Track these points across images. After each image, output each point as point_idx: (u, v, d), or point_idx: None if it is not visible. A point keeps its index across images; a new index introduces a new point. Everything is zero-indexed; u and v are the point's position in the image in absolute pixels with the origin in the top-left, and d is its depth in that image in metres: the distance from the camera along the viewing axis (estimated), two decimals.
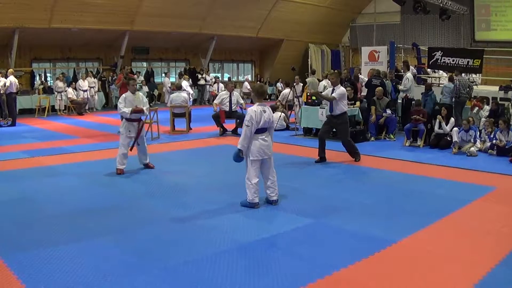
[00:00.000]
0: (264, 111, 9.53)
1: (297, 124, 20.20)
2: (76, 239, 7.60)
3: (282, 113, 21.20)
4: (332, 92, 13.54)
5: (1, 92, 22.20)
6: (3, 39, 27.75)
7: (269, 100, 21.66)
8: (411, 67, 23.48)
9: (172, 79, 34.71)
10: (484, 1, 34.98)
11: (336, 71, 15.23)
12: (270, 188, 9.73)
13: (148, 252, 7.12)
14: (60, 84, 27.81)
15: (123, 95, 12.92)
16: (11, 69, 23.73)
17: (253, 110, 9.43)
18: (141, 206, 9.64)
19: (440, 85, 22.78)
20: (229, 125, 19.55)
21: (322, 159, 13.86)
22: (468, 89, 18.84)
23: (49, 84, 29.76)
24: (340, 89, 13.56)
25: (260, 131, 9.50)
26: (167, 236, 7.84)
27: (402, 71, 23.11)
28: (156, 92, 34.21)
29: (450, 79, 19.81)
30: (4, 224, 8.48)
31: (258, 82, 18.00)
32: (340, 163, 13.64)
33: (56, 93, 27.94)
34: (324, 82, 20.72)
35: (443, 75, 23.76)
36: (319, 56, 40.95)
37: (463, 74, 20.26)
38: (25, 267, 6.50)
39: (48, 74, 31.68)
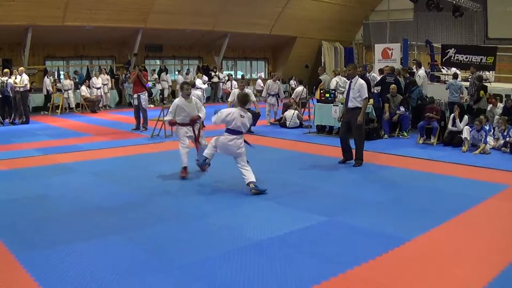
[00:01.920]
0: (242, 116, 10.41)
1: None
2: (89, 237, 7.63)
3: (296, 111, 21.21)
4: (350, 85, 13.28)
5: (16, 89, 22.26)
6: (16, 37, 27.86)
7: (280, 97, 21.43)
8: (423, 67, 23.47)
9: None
10: None
11: (352, 64, 15.02)
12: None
13: (162, 250, 7.13)
14: (66, 82, 28.00)
15: (175, 101, 12.56)
16: (22, 67, 23.75)
17: (232, 110, 10.55)
18: (155, 204, 9.66)
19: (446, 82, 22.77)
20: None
21: (346, 159, 13.54)
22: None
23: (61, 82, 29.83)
24: (359, 81, 13.16)
25: (229, 131, 10.47)
26: (181, 234, 7.84)
27: (413, 69, 23.13)
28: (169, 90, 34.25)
29: (455, 76, 19.81)
30: (18, 222, 8.53)
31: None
32: (353, 161, 13.58)
33: (63, 91, 28.10)
34: (336, 79, 20.64)
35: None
36: (332, 53, 40.94)
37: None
38: (39, 265, 6.52)
39: (61, 72, 31.68)
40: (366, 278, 6.15)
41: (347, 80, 15.35)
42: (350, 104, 13.24)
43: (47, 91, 28.02)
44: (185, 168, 12.00)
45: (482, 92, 18.38)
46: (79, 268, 6.44)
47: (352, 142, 13.32)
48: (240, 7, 33.27)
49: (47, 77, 28.41)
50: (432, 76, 24.34)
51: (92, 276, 6.18)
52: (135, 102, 19.53)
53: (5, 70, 23.41)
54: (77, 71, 30.79)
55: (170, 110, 12.43)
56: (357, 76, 13.42)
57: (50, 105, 27.61)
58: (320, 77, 21.54)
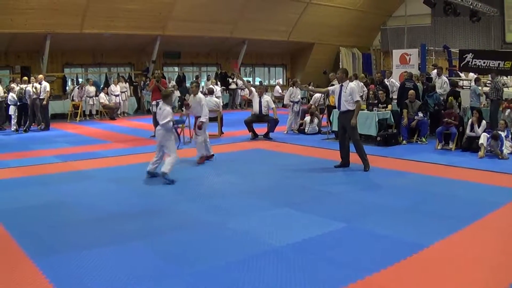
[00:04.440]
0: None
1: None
2: (108, 243, 7.66)
3: (316, 117, 21.20)
4: (341, 89, 13.40)
5: (35, 97, 22.37)
6: (35, 44, 28.01)
7: (300, 103, 21.50)
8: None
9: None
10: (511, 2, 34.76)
11: (343, 68, 15.08)
12: None
13: (180, 256, 7.14)
14: (90, 89, 28.13)
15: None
16: (42, 75, 23.85)
17: None
18: (173, 210, 9.68)
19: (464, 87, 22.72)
20: (261, 129, 19.55)
21: (343, 164, 13.66)
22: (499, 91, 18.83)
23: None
24: (350, 85, 13.39)
25: None
26: (199, 240, 7.84)
27: (431, 74, 23.17)
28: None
29: (476, 81, 19.79)
30: (37, 227, 8.57)
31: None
32: (373, 167, 13.51)
33: (87, 98, 28.17)
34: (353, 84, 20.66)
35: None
36: (350, 59, 40.88)
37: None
38: (57, 271, 6.55)
39: (80, 79, 31.81)
40: (385, 285, 6.14)
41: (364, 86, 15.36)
42: (342, 108, 13.47)
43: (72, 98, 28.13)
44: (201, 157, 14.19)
45: (451, 98, 18.33)
46: (97, 273, 6.48)
47: (351, 146, 13.40)
48: (257, 13, 33.32)
49: (73, 85, 28.70)
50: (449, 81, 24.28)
51: (109, 282, 6.22)
52: (154, 109, 19.60)
53: (24, 77, 23.56)
54: (88, 79, 30.81)
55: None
56: (347, 80, 13.61)
57: (69, 112, 27.68)
58: (332, 83, 21.54)
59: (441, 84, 21.23)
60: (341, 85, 13.51)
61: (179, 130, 15.03)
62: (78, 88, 28.01)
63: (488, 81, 20.75)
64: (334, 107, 18.01)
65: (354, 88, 13.31)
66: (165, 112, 11.80)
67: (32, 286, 6.16)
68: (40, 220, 9.02)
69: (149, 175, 12.24)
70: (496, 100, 18.87)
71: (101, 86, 30.37)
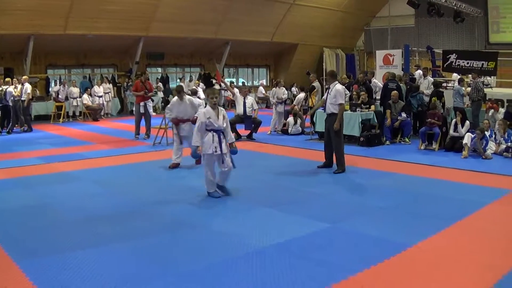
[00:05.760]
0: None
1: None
2: (92, 245, 7.63)
3: (299, 118, 21.24)
4: (327, 91, 13.37)
5: (17, 99, 22.27)
6: (18, 45, 27.87)
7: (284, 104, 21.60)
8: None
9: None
10: (496, 3, 34.91)
11: (331, 70, 15.00)
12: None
13: (165, 258, 7.13)
14: (74, 90, 28.09)
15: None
16: (26, 76, 23.80)
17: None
18: (156, 212, 9.65)
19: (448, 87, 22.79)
20: (244, 130, 19.55)
21: (327, 165, 13.65)
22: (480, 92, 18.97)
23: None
24: (336, 87, 13.21)
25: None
26: (182, 242, 7.84)
27: (414, 74, 23.31)
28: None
29: (459, 82, 19.89)
30: (21, 230, 8.53)
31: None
32: (357, 168, 13.61)
33: (71, 99, 28.16)
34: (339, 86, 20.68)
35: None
36: (334, 60, 40.90)
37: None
38: (41, 274, 6.53)
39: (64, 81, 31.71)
40: (369, 285, 6.14)
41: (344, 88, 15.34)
42: (328, 110, 13.37)
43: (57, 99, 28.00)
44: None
45: (434, 98, 18.40)
46: (82, 276, 6.45)
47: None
48: (241, 15, 33.30)
49: (57, 85, 28.58)
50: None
51: (95, 284, 6.19)
52: (142, 110, 19.59)
53: (7, 79, 23.41)
54: (72, 81, 30.69)
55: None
56: (336, 82, 13.48)
57: (52, 113, 27.61)
58: (313, 84, 21.54)
59: (427, 85, 21.35)
60: (328, 87, 13.49)
61: (161, 131, 15.01)
62: (61, 86, 27.93)
63: (471, 81, 20.84)
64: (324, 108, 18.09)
65: (339, 90, 13.10)
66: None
67: None
68: (23, 222, 8.99)
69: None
70: (477, 100, 18.98)
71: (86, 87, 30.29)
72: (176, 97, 14.25)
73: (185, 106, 14.01)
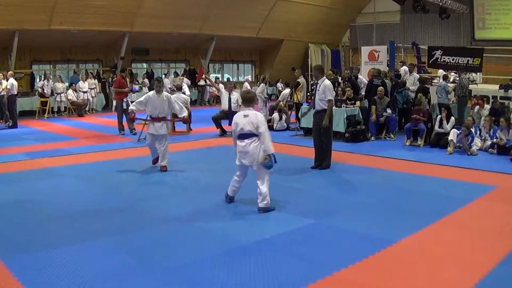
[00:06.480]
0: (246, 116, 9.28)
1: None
2: (77, 240, 7.61)
3: (284, 114, 21.24)
4: (316, 87, 13.13)
5: (2, 94, 22.16)
6: (3, 41, 27.72)
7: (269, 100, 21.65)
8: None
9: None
10: None
11: (318, 65, 14.84)
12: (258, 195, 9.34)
13: (148, 254, 7.12)
14: (59, 85, 27.99)
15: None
16: (11, 72, 23.71)
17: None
18: (141, 208, 9.64)
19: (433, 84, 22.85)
20: (229, 126, 19.50)
21: (318, 166, 13.30)
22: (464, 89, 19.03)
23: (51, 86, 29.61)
24: (324, 83, 12.94)
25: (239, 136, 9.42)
26: (167, 238, 7.83)
27: (399, 71, 23.38)
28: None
29: (444, 78, 19.92)
30: (5, 226, 8.50)
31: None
32: (342, 163, 13.62)
33: (56, 94, 28.10)
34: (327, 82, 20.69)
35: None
36: (319, 56, 40.90)
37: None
38: (25, 269, 6.51)
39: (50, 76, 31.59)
40: (353, 281, 6.16)
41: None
42: (317, 107, 13.11)
43: (42, 94, 27.91)
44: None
45: (420, 94, 18.42)
46: (66, 271, 6.44)
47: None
48: (226, 10, 33.22)
49: (42, 81, 28.45)
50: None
51: (79, 280, 6.17)
52: (125, 106, 19.49)
53: None
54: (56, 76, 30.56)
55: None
56: (324, 77, 13.27)
57: (37, 108, 27.55)
58: (297, 80, 21.50)
59: (413, 81, 21.36)
60: (316, 83, 13.28)
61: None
62: (44, 80, 27.85)
63: (456, 77, 20.91)
64: (302, 104, 18.03)
65: (327, 86, 12.84)
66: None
67: (0, 285, 6.10)
68: (7, 218, 8.96)
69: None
70: (461, 96, 19.02)
71: (70, 82, 30.16)
72: (153, 92, 13.33)
73: (162, 103, 13.10)
